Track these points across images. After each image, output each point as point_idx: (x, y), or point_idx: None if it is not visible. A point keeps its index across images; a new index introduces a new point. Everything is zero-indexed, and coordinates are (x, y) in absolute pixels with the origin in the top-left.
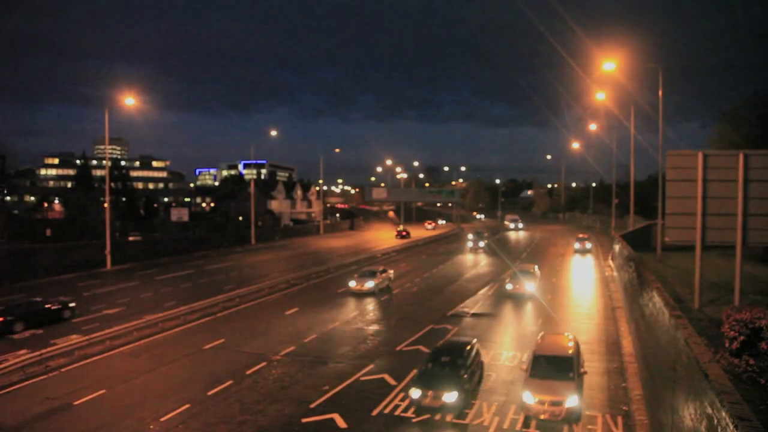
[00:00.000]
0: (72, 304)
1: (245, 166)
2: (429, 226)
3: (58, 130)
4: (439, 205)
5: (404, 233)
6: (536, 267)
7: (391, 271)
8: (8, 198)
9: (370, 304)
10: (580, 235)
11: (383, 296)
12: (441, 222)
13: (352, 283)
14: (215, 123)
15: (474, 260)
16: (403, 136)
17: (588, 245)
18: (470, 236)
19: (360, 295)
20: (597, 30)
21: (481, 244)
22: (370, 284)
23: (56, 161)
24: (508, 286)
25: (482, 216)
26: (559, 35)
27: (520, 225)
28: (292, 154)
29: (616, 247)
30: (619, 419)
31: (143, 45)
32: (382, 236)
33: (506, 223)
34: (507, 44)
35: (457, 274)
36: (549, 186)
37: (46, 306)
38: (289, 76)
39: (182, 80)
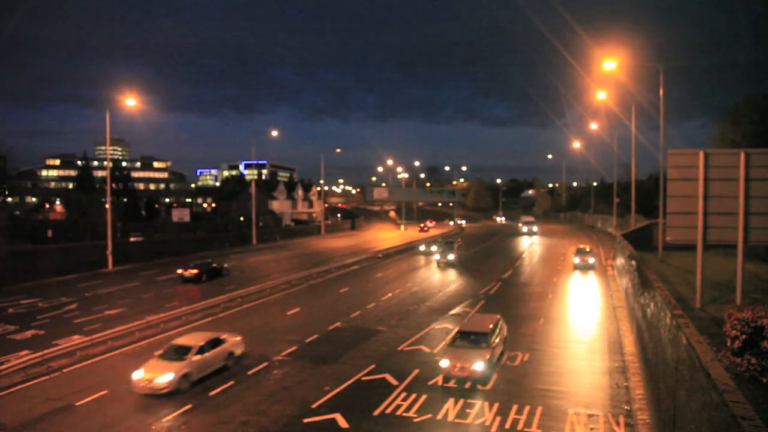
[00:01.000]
0: (226, 265)
1: (246, 166)
2: (430, 224)
3: (60, 131)
4: (440, 204)
5: (426, 228)
6: (499, 320)
7: (237, 339)
8: (9, 199)
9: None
10: (581, 247)
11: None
12: (460, 222)
13: (138, 375)
14: (216, 123)
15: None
16: (404, 136)
17: (591, 260)
18: (424, 248)
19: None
20: (598, 29)
21: (451, 257)
22: (166, 378)
23: (57, 162)
24: (443, 364)
25: (503, 218)
26: (560, 35)
27: (535, 228)
28: (294, 155)
29: (618, 247)
30: (621, 418)
31: (145, 46)
32: (384, 236)
33: (520, 225)
34: (508, 44)
35: (459, 273)
36: (550, 185)
37: (214, 265)
38: (290, 76)
39: (183, 81)
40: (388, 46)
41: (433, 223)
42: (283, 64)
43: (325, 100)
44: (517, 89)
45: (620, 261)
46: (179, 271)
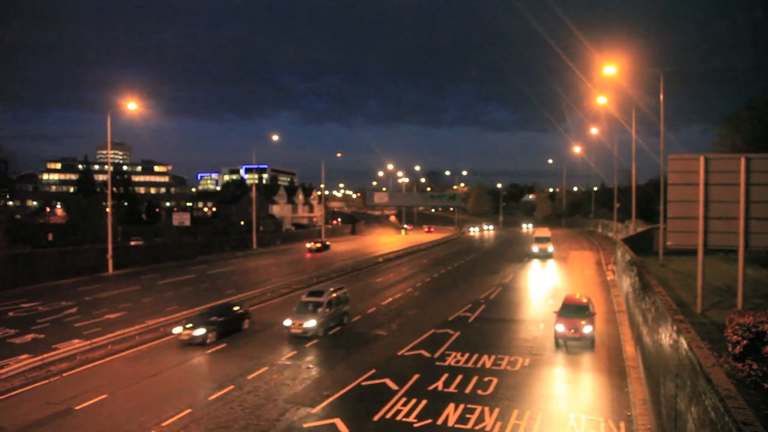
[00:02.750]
0: (328, 243)
1: (247, 170)
2: (408, 227)
3: (61, 134)
4: (440, 209)
5: (432, 230)
6: None
7: None
8: (10, 203)
9: None
10: (574, 298)
11: None
12: (487, 227)
13: None
14: (217, 127)
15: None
16: (405, 140)
17: (587, 330)
18: (181, 329)
19: None
20: (599, 35)
21: (310, 325)
22: None
23: (58, 166)
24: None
25: (530, 225)
26: (561, 40)
27: (551, 249)
28: (295, 159)
29: (618, 252)
30: (622, 424)
31: (146, 50)
32: (384, 240)
33: (532, 246)
34: (509, 49)
35: (459, 278)
36: (550, 190)
37: (327, 243)
38: (292, 81)
39: (185, 85)
40: (390, 51)
41: (410, 226)
42: (286, 68)
43: (327, 105)
44: (518, 94)
45: (621, 266)
46: (308, 245)
